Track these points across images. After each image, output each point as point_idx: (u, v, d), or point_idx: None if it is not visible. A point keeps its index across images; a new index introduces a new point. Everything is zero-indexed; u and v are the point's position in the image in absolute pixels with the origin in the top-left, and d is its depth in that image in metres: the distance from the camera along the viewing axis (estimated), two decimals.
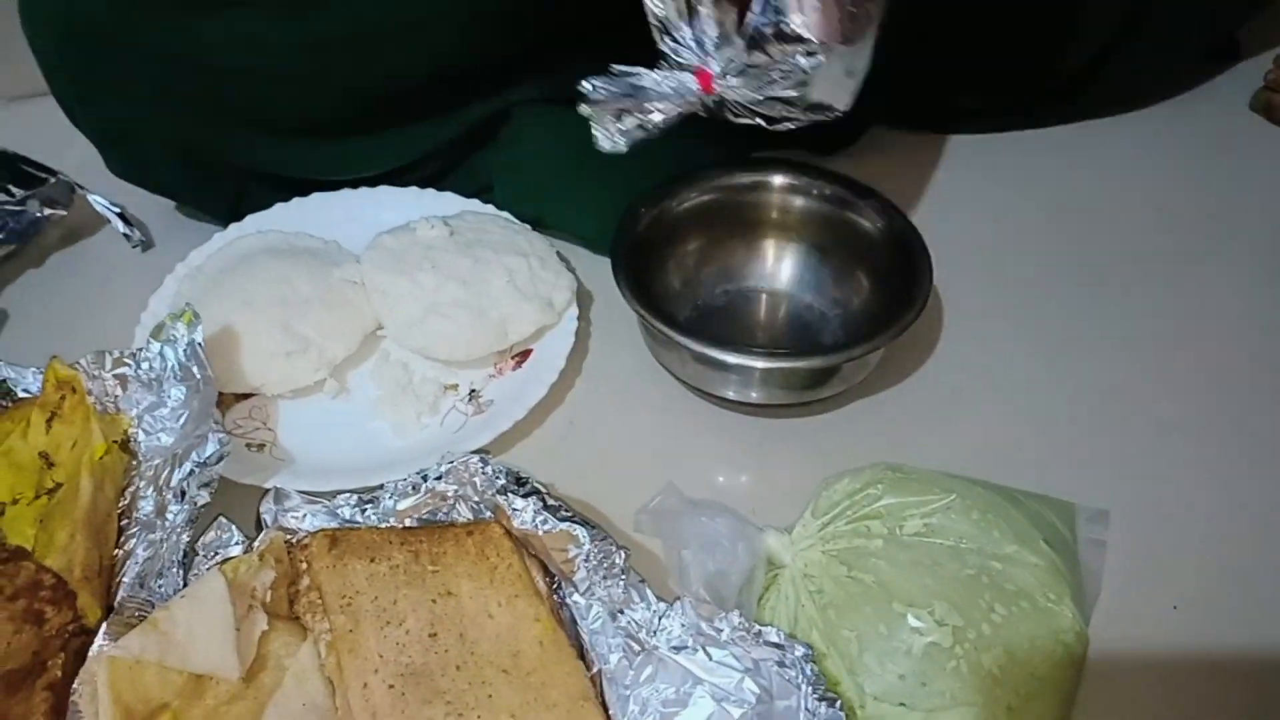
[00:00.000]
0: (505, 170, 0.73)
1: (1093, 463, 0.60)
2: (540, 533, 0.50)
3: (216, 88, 0.65)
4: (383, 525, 0.52)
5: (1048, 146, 0.80)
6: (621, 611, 0.47)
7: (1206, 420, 0.62)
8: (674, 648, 0.46)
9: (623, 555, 0.48)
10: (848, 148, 0.79)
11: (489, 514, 0.52)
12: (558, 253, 0.68)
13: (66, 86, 0.66)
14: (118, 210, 0.72)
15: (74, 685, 0.43)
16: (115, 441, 0.54)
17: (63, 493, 0.52)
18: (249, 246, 0.68)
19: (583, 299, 0.67)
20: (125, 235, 0.72)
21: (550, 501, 0.50)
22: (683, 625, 0.46)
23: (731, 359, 0.58)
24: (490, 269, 0.64)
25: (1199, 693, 0.50)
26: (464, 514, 0.52)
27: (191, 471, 0.51)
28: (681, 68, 0.52)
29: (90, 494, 0.51)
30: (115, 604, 0.48)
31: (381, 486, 0.53)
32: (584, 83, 0.54)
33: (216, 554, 0.50)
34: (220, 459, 0.52)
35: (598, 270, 0.67)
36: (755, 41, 0.49)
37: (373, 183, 0.72)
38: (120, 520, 0.52)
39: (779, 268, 0.68)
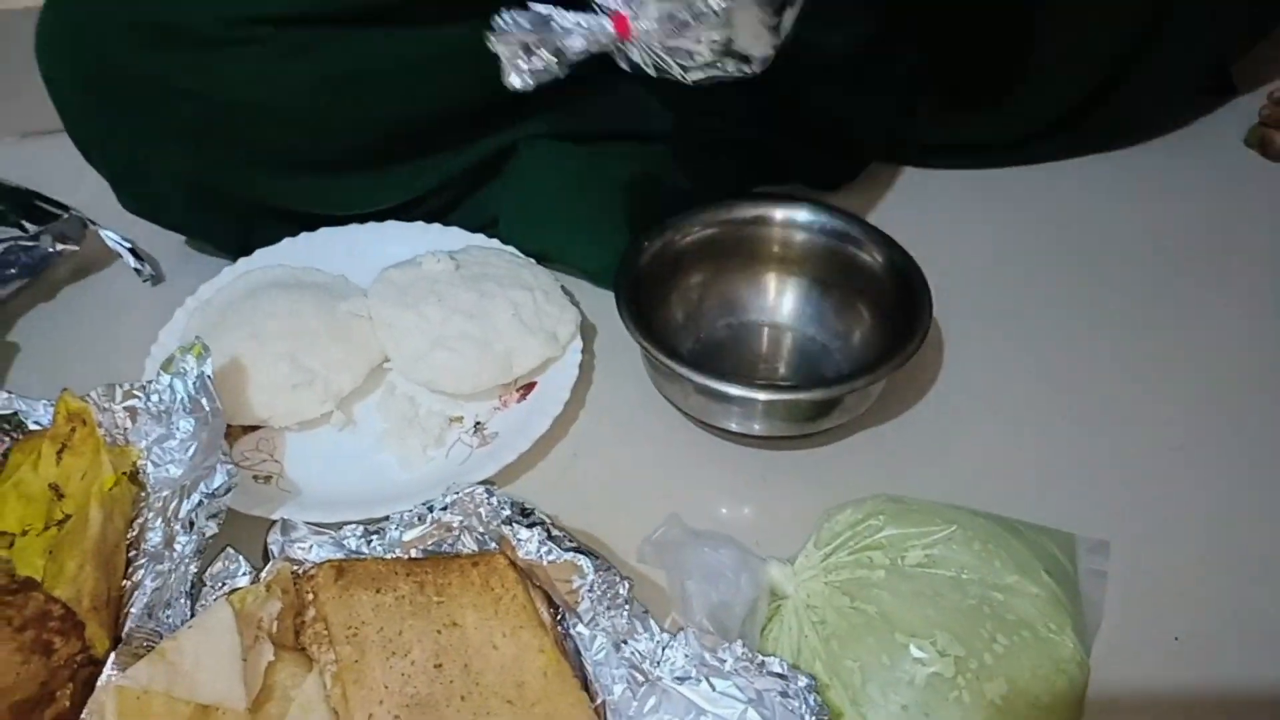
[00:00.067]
0: (510, 205, 0.73)
1: (1093, 494, 0.60)
2: (545, 563, 0.50)
3: (228, 124, 0.66)
4: (388, 556, 0.52)
5: (1045, 181, 0.81)
6: (625, 642, 0.48)
7: (1206, 451, 0.62)
8: (678, 678, 0.46)
9: (626, 586, 0.49)
10: (848, 183, 0.80)
11: (494, 545, 0.52)
12: (562, 286, 0.69)
13: (81, 124, 0.68)
14: (129, 245, 0.73)
15: (82, 715, 0.44)
16: (124, 473, 0.54)
17: (72, 523, 0.53)
18: (257, 280, 0.69)
19: (587, 332, 0.68)
20: (136, 270, 0.73)
21: (554, 532, 0.51)
22: (686, 656, 0.46)
23: (734, 391, 0.58)
24: (495, 302, 0.65)
25: None
26: (469, 545, 0.52)
27: (200, 503, 0.52)
28: (601, 10, 0.51)
29: (99, 525, 0.51)
30: (123, 634, 0.48)
31: (387, 518, 0.53)
32: (496, 16, 0.52)
33: (224, 584, 0.51)
34: (228, 490, 0.52)
35: (601, 304, 0.68)
36: None
37: (380, 217, 0.73)
38: (129, 551, 0.52)
39: (781, 301, 0.69)
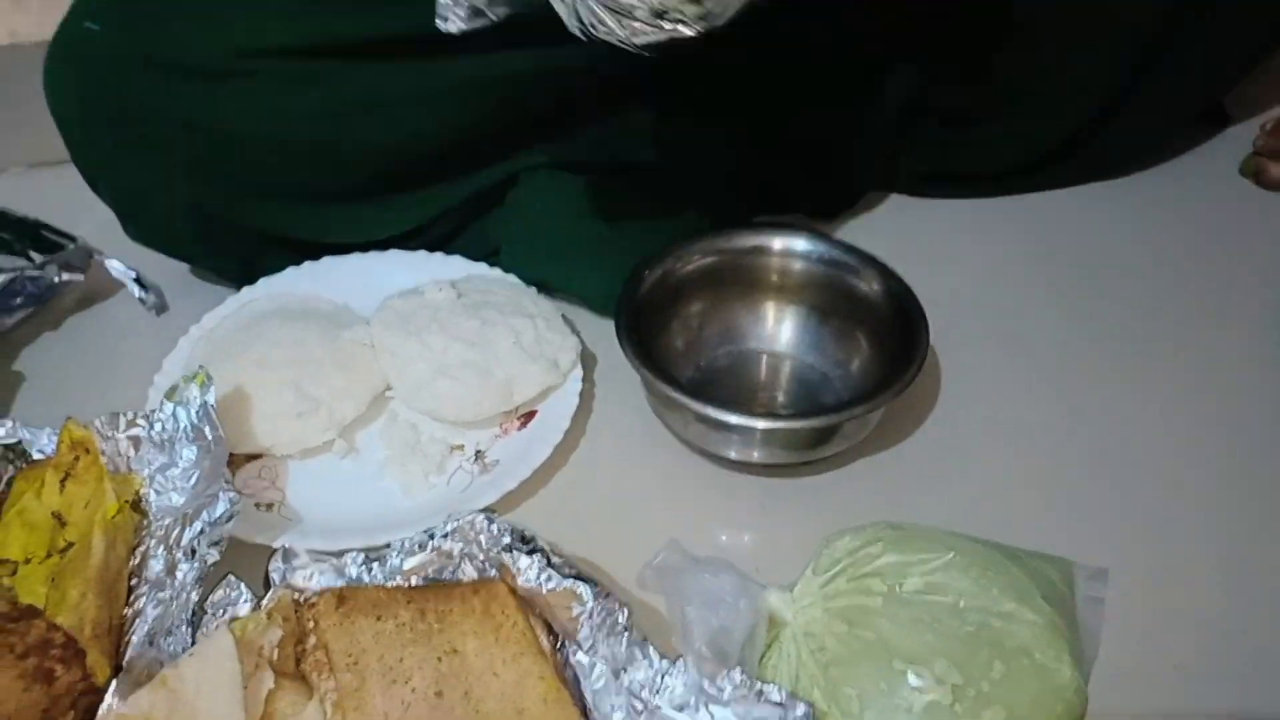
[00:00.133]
0: (512, 234, 0.74)
1: (1091, 521, 0.60)
2: (544, 591, 0.50)
3: (233, 154, 0.67)
4: (389, 584, 0.52)
5: (1041, 210, 0.82)
6: (624, 669, 0.48)
7: (1205, 478, 0.63)
8: (676, 706, 0.46)
9: (625, 613, 0.49)
10: (845, 212, 0.80)
11: (494, 572, 0.52)
12: (563, 315, 0.70)
13: (87, 154, 0.68)
14: (134, 274, 0.73)
15: None
16: (127, 501, 0.55)
17: (74, 551, 0.53)
18: (261, 309, 0.69)
19: (587, 360, 0.69)
20: (140, 299, 0.73)
21: (554, 560, 0.51)
22: (685, 684, 0.47)
23: (734, 420, 0.59)
24: (497, 330, 0.66)
25: None
26: (469, 572, 0.53)
27: (202, 531, 0.52)
28: None
29: (102, 553, 0.52)
30: (124, 662, 0.48)
31: (388, 545, 0.54)
32: None
33: (225, 612, 0.51)
34: (230, 518, 0.53)
35: (602, 332, 0.69)
36: None
37: (382, 246, 0.74)
38: (130, 579, 0.52)
39: (780, 329, 0.70)
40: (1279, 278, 0.76)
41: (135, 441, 0.57)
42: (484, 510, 0.54)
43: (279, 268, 0.73)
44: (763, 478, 0.63)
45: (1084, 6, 0.73)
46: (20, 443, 0.58)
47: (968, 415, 0.67)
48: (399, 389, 0.66)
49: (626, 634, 0.48)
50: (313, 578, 0.52)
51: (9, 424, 0.58)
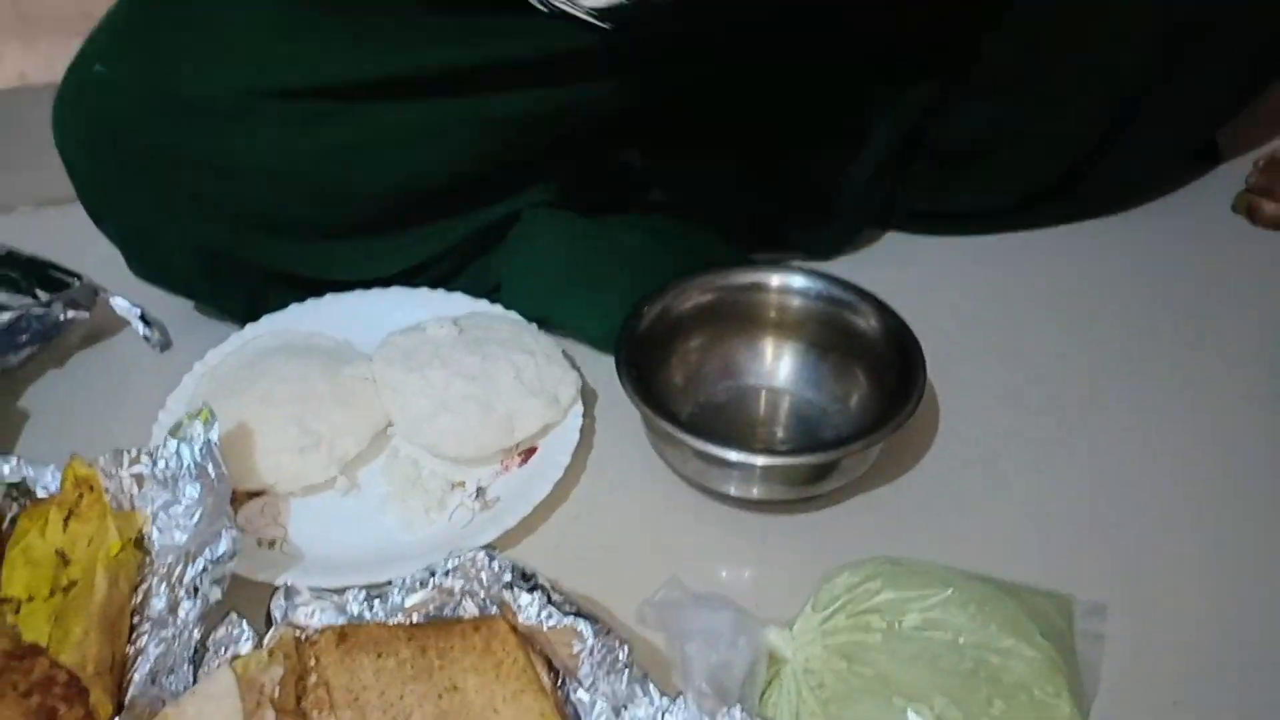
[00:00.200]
0: (513, 271, 0.75)
1: (1090, 556, 0.60)
2: (545, 628, 0.50)
3: (238, 192, 0.68)
4: (391, 621, 0.53)
5: (1036, 247, 0.83)
6: (625, 707, 0.48)
7: (1203, 514, 0.63)
8: None
9: (626, 651, 0.49)
10: (842, 250, 0.81)
11: (495, 609, 0.52)
12: (563, 351, 0.70)
13: (95, 193, 0.69)
14: (139, 312, 0.74)
15: None
16: (130, 539, 0.55)
17: (78, 589, 0.53)
18: (265, 346, 0.70)
19: (588, 396, 0.69)
20: (145, 337, 0.74)
21: (555, 597, 0.51)
22: None
23: (733, 456, 0.59)
24: (498, 365, 0.66)
25: None
26: (470, 609, 0.53)
27: (204, 568, 0.52)
28: None
29: (105, 590, 0.52)
30: (127, 701, 0.48)
31: (390, 582, 0.54)
32: None
33: (227, 650, 0.51)
34: (233, 556, 0.53)
35: (602, 368, 0.69)
36: None
37: (385, 283, 0.74)
38: (133, 617, 0.52)
39: (778, 365, 0.70)
40: (1273, 315, 0.76)
41: (139, 479, 0.57)
42: (485, 547, 0.54)
43: (282, 304, 0.74)
44: (762, 513, 0.64)
45: (1077, 45, 0.74)
46: (25, 480, 0.58)
47: (965, 450, 0.67)
48: (400, 424, 0.66)
49: (627, 671, 0.48)
50: (314, 615, 0.53)
51: (13, 462, 0.58)
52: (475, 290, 0.75)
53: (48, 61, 1.01)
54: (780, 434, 0.68)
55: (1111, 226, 0.84)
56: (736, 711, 0.46)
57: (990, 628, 0.50)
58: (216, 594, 0.52)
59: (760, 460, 0.60)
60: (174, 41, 0.65)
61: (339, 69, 0.65)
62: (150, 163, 0.66)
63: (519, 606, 0.51)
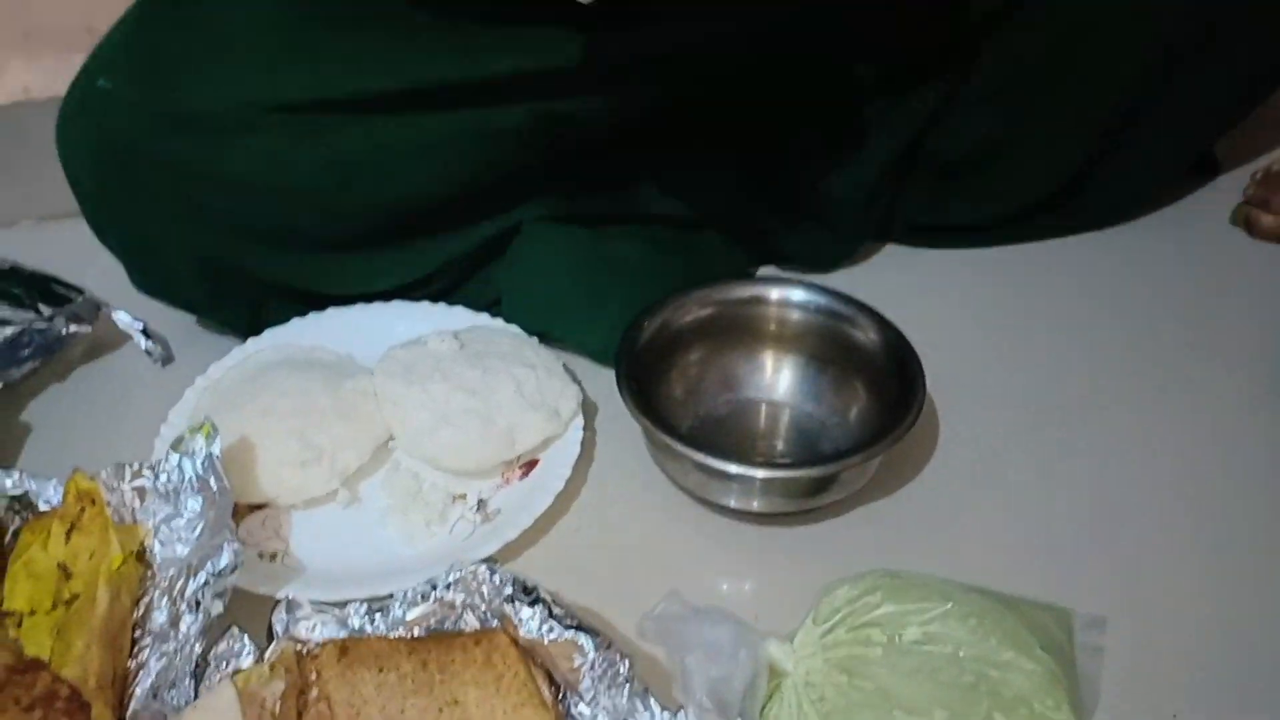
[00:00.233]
0: (514, 284, 0.75)
1: (1089, 569, 0.60)
2: (546, 641, 0.51)
3: (240, 206, 0.68)
4: (392, 635, 0.53)
5: (1034, 260, 0.83)
6: None
7: (1202, 526, 0.63)
8: None
9: (627, 664, 0.49)
10: (841, 262, 0.81)
11: (496, 623, 0.53)
12: (564, 364, 0.70)
13: (98, 208, 0.70)
14: (140, 326, 0.74)
15: None
16: (132, 552, 0.55)
17: (79, 603, 0.53)
18: (266, 360, 0.70)
19: (588, 409, 0.69)
20: (147, 351, 0.74)
21: (555, 610, 0.51)
22: None
23: (733, 469, 0.59)
24: (499, 378, 0.66)
25: None
26: (472, 623, 0.53)
27: (206, 582, 0.52)
28: None
29: (107, 604, 0.52)
30: (128, 715, 0.49)
31: (391, 595, 0.54)
32: None
33: (228, 664, 0.51)
34: (234, 569, 0.53)
35: (603, 381, 0.69)
36: None
37: (386, 297, 0.75)
38: (134, 631, 0.53)
39: (778, 378, 0.70)
40: (1271, 326, 0.77)
41: (140, 492, 0.57)
42: (486, 561, 0.54)
43: (284, 319, 0.74)
44: (762, 526, 0.64)
45: (1075, 58, 0.75)
46: (27, 494, 0.59)
47: (965, 463, 0.67)
48: (401, 438, 0.66)
49: (628, 685, 0.48)
50: (315, 629, 0.53)
51: (16, 475, 0.59)
52: (476, 304, 0.75)
53: (51, 76, 1.01)
54: (780, 447, 0.68)
55: (1110, 239, 0.84)
56: None
57: (990, 641, 0.50)
58: (218, 607, 0.52)
59: (760, 473, 0.60)
60: (177, 56, 0.66)
61: (340, 83, 0.66)
62: (153, 177, 0.67)
63: (520, 620, 0.51)
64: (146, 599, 0.54)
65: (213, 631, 0.52)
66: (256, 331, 0.74)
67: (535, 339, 0.72)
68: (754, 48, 0.72)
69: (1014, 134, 0.78)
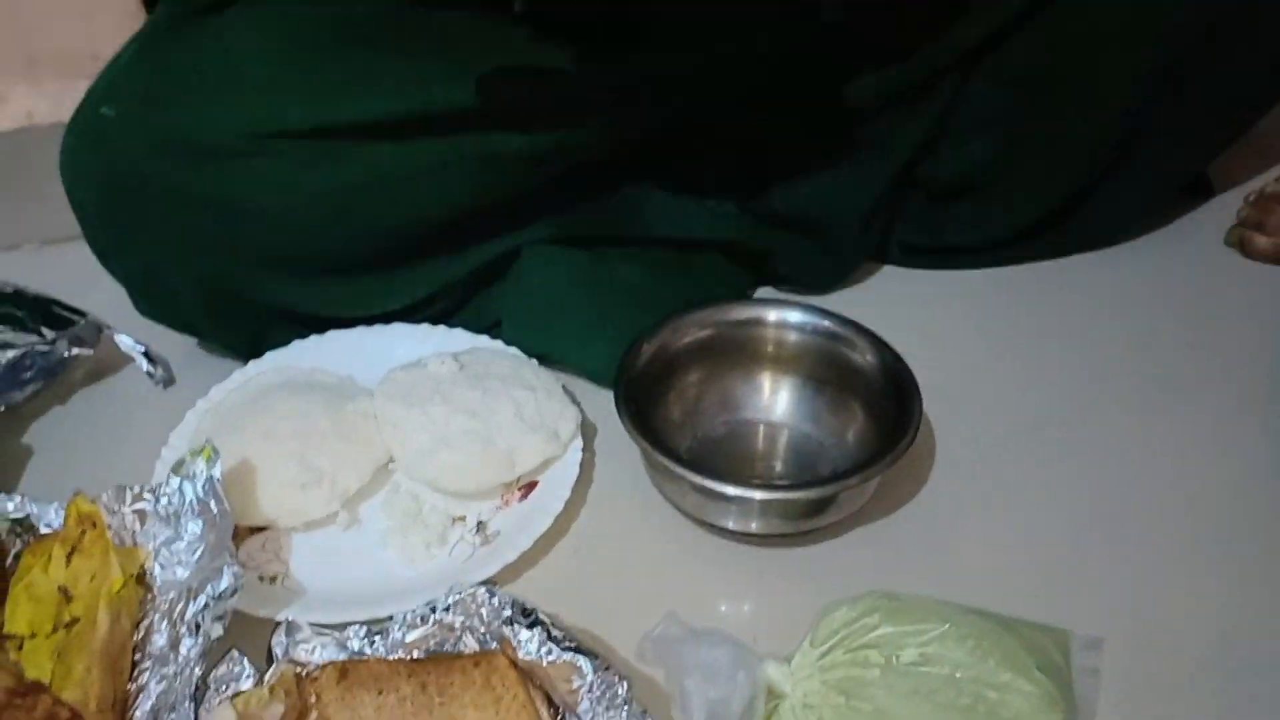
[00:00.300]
0: (513, 307, 0.76)
1: (1086, 590, 0.61)
2: (545, 663, 0.51)
3: (242, 230, 0.68)
4: (391, 657, 0.53)
5: (1029, 281, 0.83)
6: None
7: (1198, 548, 0.63)
8: None
9: (625, 686, 0.49)
10: (838, 284, 0.82)
11: (495, 644, 0.53)
12: (563, 386, 0.71)
13: (99, 230, 0.70)
14: (142, 349, 0.74)
15: None
16: (132, 575, 0.55)
17: (80, 626, 0.53)
18: (267, 382, 0.70)
19: (587, 431, 0.70)
20: (149, 373, 0.74)
21: (554, 632, 0.51)
22: None
23: (731, 490, 0.60)
24: (498, 400, 0.67)
25: None
26: (471, 645, 0.53)
27: (206, 605, 0.53)
28: None
29: (107, 627, 0.52)
30: None
31: (391, 618, 0.54)
32: None
33: (228, 687, 0.51)
34: (234, 592, 0.53)
35: (602, 403, 0.69)
36: None
37: (386, 320, 0.75)
38: (135, 654, 0.53)
39: (776, 400, 0.71)
40: (1266, 348, 0.77)
41: (141, 515, 0.57)
42: (485, 583, 0.54)
43: (285, 341, 0.74)
44: (760, 548, 0.64)
45: (1070, 81, 0.75)
46: (28, 517, 0.59)
47: (962, 484, 0.67)
48: (401, 459, 0.67)
49: (627, 707, 0.49)
50: (315, 651, 0.53)
51: (17, 499, 0.59)
52: (476, 326, 0.75)
53: (54, 102, 1.03)
54: (778, 468, 0.69)
55: (1105, 260, 0.85)
56: None
57: (988, 663, 0.51)
58: (218, 630, 0.52)
59: (758, 495, 0.60)
60: (180, 83, 0.66)
61: (342, 109, 0.66)
62: (156, 202, 0.67)
63: (519, 642, 0.51)
64: (146, 622, 0.54)
65: (212, 654, 0.52)
66: (258, 354, 0.74)
67: (535, 361, 0.72)
68: (752, 70, 0.73)
69: (1009, 158, 0.79)
